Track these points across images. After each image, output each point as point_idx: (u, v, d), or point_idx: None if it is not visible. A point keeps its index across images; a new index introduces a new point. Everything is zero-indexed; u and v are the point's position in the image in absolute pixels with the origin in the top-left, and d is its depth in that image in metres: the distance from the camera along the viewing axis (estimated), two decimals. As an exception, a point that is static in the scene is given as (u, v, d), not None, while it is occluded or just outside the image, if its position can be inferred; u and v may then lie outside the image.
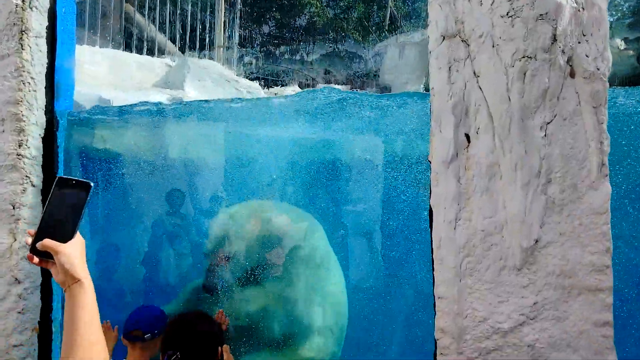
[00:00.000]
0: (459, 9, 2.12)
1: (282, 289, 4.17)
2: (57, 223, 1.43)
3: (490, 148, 2.08)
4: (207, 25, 7.43)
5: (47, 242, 1.39)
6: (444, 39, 2.17)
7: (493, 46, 2.04)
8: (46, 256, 1.40)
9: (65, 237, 1.41)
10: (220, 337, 2.16)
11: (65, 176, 1.52)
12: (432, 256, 2.34)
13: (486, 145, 2.09)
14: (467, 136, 2.13)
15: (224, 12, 7.94)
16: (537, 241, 2.02)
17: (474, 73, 2.11)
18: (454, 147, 2.14)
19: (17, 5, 2.62)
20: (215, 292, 3.99)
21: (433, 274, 2.30)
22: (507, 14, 1.99)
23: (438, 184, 2.21)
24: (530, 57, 2.00)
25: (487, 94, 2.07)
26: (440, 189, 2.20)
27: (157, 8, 7.39)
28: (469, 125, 2.12)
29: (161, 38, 7.47)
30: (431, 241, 2.34)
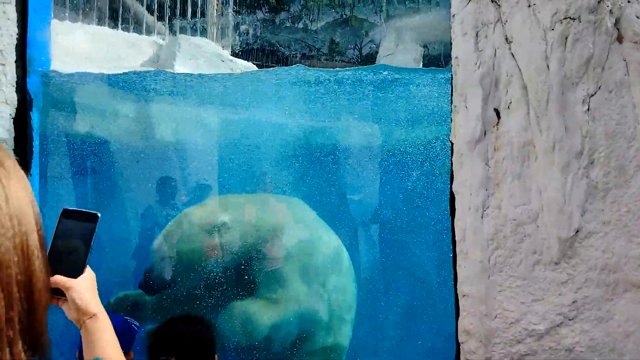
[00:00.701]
0: (489, -36, 1.83)
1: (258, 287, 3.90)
2: (65, 257, 1.31)
3: (524, 125, 1.81)
4: (199, 3, 7.10)
5: (58, 279, 1.26)
6: (469, 0, 1.89)
7: (529, 6, 1.76)
8: (57, 293, 1.27)
9: (75, 272, 1.29)
10: (214, 342, 1.92)
11: (69, 208, 1.40)
12: (453, 249, 2.09)
13: (519, 122, 1.82)
14: (497, 112, 1.86)
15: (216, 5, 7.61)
16: (577, 231, 1.77)
17: (506, 39, 1.83)
18: (481, 125, 1.87)
19: (-21, -33, 2.30)
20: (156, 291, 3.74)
21: (454, 269, 2.05)
22: (547, -32, 1.71)
23: (462, 167, 1.94)
24: (572, 19, 1.72)
25: (521, 63, 1.80)
26: (464, 173, 1.94)
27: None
28: (499, 99, 1.85)
29: (150, 17, 7.12)
30: (452, 232, 2.08)
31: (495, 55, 1.85)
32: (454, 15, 1.97)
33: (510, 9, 1.79)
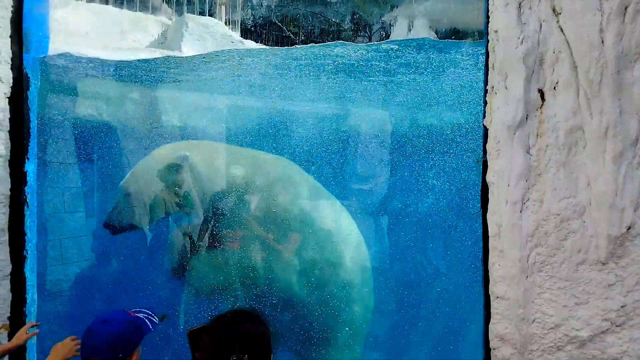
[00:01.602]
0: None
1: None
2: None
3: (573, 108, 1.61)
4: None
5: None
6: (514, -35, 1.67)
7: (584, -28, 1.55)
8: None
9: None
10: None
11: None
12: (484, 245, 1.90)
13: (567, 104, 1.61)
14: (542, 93, 1.66)
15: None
16: (629, 228, 1.57)
17: (553, 10, 1.61)
18: (523, 108, 1.67)
19: None
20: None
21: (486, 268, 1.86)
22: None
23: (500, 155, 1.74)
24: (635, -14, 1.51)
25: (571, 38, 1.59)
26: (501, 162, 1.74)
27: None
28: (544, 78, 1.64)
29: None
30: (484, 227, 1.89)
31: (540, 29, 1.64)
32: (493, -16, 1.76)
33: (561, -24, 1.57)
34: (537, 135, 1.67)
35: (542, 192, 1.67)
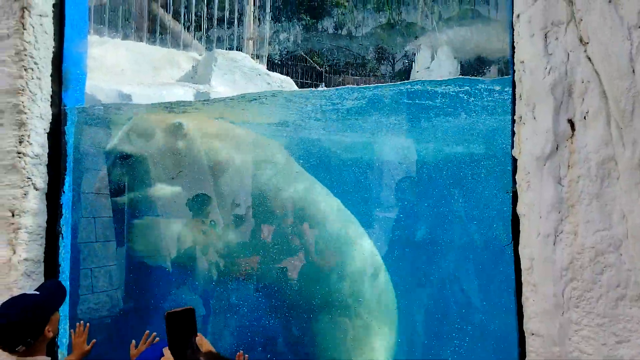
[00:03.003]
0: (561, -44, 1.62)
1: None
2: None
3: (604, 139, 1.57)
4: (236, 20, 7.13)
5: None
6: (538, -3, 1.68)
7: (609, 1, 1.54)
8: None
9: None
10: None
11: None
12: (516, 280, 1.85)
13: (598, 135, 1.58)
14: (571, 123, 1.63)
15: (253, 11, 7.64)
16: (670, 263, 1.50)
17: (580, 40, 1.60)
18: (553, 139, 1.64)
19: (18, -20, 2.26)
20: None
21: (519, 303, 1.80)
22: (634, -43, 1.48)
23: (530, 186, 1.71)
24: (664, 15, 1.49)
25: (600, 67, 1.57)
26: (532, 194, 1.71)
27: (182, 5, 7.14)
28: (573, 108, 1.62)
29: (187, 35, 7.20)
30: (516, 261, 1.85)
31: (568, 59, 1.62)
32: (517, 15, 1.77)
33: (587, 6, 1.57)
34: (568, 166, 1.63)
35: (575, 224, 1.62)
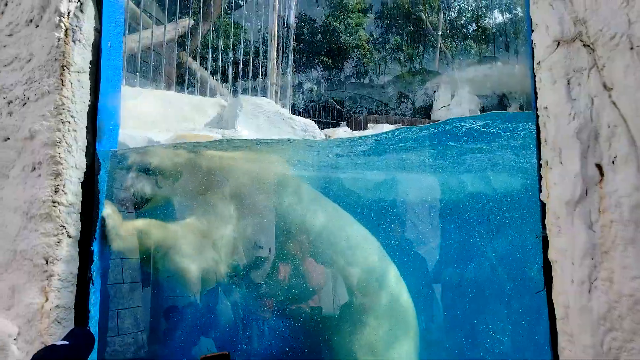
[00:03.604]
0: (579, 6, 1.65)
1: None
2: None
3: (635, 183, 1.54)
4: (260, 67, 7.39)
5: None
6: (558, 44, 1.70)
7: (632, 49, 1.55)
8: None
9: None
10: None
11: None
12: (551, 327, 1.78)
13: (628, 179, 1.55)
14: (600, 168, 1.61)
15: (276, 53, 7.92)
16: None
17: (604, 86, 1.61)
18: (581, 183, 1.62)
19: (59, 39, 2.41)
20: None
21: (555, 353, 1.73)
22: (654, 5, 1.50)
23: (560, 231, 1.68)
24: (689, 60, 1.49)
25: (627, 112, 1.56)
26: (564, 239, 1.67)
27: (210, 54, 7.46)
28: (600, 153, 1.61)
29: (213, 81, 7.48)
30: (550, 308, 1.79)
31: (592, 104, 1.62)
32: (539, 63, 1.79)
33: (609, 53, 1.58)
34: (600, 211, 1.60)
35: (610, 271, 1.57)
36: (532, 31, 1.84)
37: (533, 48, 1.86)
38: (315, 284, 3.96)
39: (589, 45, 1.64)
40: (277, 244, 4.08)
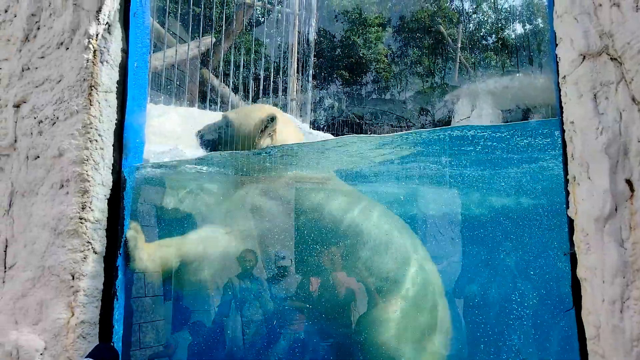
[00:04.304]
0: (605, 19, 1.63)
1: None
2: None
3: (668, 199, 1.50)
4: (280, 83, 7.49)
5: None
6: (584, 58, 1.68)
7: (661, 62, 1.52)
8: None
9: None
10: None
11: None
12: (581, 348, 1.73)
13: (661, 195, 1.51)
14: (630, 183, 1.57)
15: (296, 69, 8.02)
16: None
17: (633, 99, 1.57)
18: (611, 199, 1.58)
19: (87, 61, 2.49)
20: None
21: (587, 374, 1.68)
22: (682, 18, 1.47)
23: (590, 249, 1.64)
24: None
25: (657, 126, 1.52)
26: (593, 257, 1.63)
27: (231, 70, 7.60)
28: (630, 168, 1.57)
29: (234, 97, 7.60)
30: (579, 327, 1.74)
31: (621, 118, 1.59)
32: (564, 77, 1.76)
33: (637, 67, 1.55)
34: (631, 228, 1.56)
35: (643, 290, 1.52)
36: (557, 45, 1.82)
37: (558, 62, 1.83)
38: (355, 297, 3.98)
39: (616, 59, 1.62)
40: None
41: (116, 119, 2.63)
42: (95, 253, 2.44)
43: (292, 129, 4.52)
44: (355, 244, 3.96)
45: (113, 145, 2.61)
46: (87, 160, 2.44)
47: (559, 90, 1.84)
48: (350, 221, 4.02)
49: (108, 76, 2.57)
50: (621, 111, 1.59)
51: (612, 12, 1.60)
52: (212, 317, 4.71)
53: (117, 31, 2.65)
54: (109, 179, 2.57)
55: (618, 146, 1.58)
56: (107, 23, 2.56)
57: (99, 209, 2.48)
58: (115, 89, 2.63)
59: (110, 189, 2.57)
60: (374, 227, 4.05)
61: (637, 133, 1.55)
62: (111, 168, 2.59)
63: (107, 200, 2.54)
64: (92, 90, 2.47)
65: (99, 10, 2.53)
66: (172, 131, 5.00)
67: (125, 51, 2.70)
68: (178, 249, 3.72)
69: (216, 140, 4.28)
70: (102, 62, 2.54)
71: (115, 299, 2.57)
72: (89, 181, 2.43)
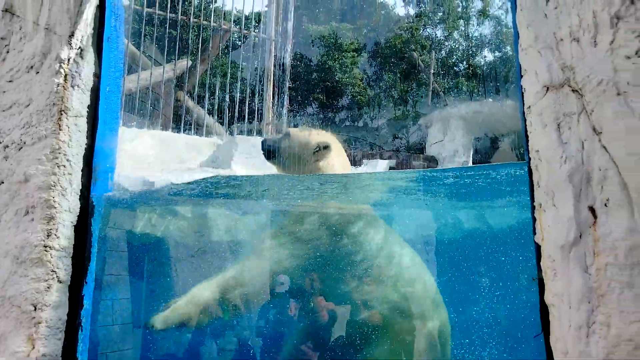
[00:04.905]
0: (566, 53, 1.71)
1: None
2: None
3: (628, 227, 1.55)
4: (256, 107, 7.52)
5: None
6: (547, 90, 1.74)
7: (618, 94, 1.59)
8: None
9: None
10: None
11: None
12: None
13: (622, 223, 1.56)
14: (593, 211, 1.62)
15: (272, 94, 8.07)
16: None
17: (594, 130, 1.64)
18: (575, 227, 1.63)
19: (58, 85, 2.45)
20: None
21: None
22: (637, 54, 1.55)
23: (556, 275, 1.67)
24: (674, 106, 1.52)
25: (617, 157, 1.58)
26: (559, 283, 1.66)
27: (207, 92, 7.59)
28: (593, 196, 1.62)
29: (210, 120, 7.58)
30: (548, 353, 1.76)
31: (583, 148, 1.65)
32: (529, 107, 1.83)
33: (597, 99, 1.62)
34: (595, 254, 1.60)
35: (608, 315, 1.56)
36: (522, 76, 1.89)
37: (523, 93, 1.90)
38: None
39: (577, 91, 1.69)
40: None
41: (86, 144, 2.58)
42: (60, 282, 2.36)
43: (342, 161, 4.79)
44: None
45: (82, 170, 2.55)
46: (54, 186, 2.37)
47: (525, 120, 1.91)
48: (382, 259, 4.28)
49: (79, 100, 2.53)
50: (583, 141, 1.65)
51: (573, 47, 1.68)
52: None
53: (90, 55, 2.62)
54: (76, 205, 2.50)
55: (581, 175, 1.63)
56: (79, 47, 2.54)
57: (65, 236, 2.41)
58: (86, 113, 2.59)
59: (78, 215, 2.50)
60: (405, 269, 4.30)
61: (598, 162, 1.61)
62: (79, 194, 2.52)
63: (74, 227, 2.47)
64: (61, 114, 2.42)
65: (71, 35, 2.50)
66: (144, 155, 4.94)
67: (97, 75, 2.68)
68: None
69: (275, 151, 4.58)
70: (73, 87, 2.50)
71: (80, 330, 2.48)
72: (55, 207, 2.37)
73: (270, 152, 4.58)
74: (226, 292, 3.89)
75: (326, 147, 4.44)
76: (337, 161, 4.61)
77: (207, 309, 3.83)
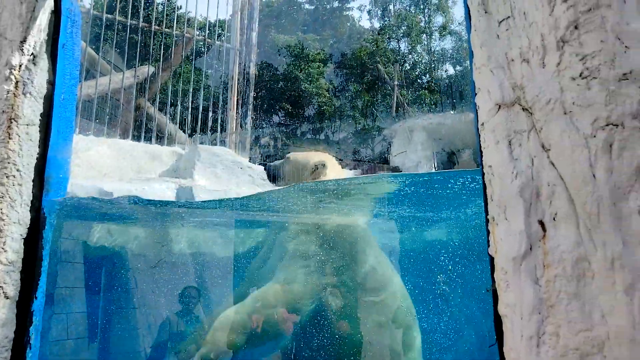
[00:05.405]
0: (516, 73, 1.78)
1: None
2: None
3: (575, 240, 1.62)
4: (220, 115, 7.45)
5: None
6: (499, 108, 1.81)
7: (565, 113, 1.67)
8: None
9: None
10: None
11: None
12: (504, 382, 1.80)
13: (569, 236, 1.63)
14: (542, 224, 1.69)
15: (236, 104, 8.02)
16: (655, 365, 1.48)
17: (543, 146, 1.71)
18: (526, 240, 1.69)
19: (8, 92, 2.35)
20: None
21: (510, 409, 1.74)
22: (581, 76, 1.64)
23: (509, 286, 1.73)
24: (615, 125, 1.61)
25: (564, 172, 1.66)
26: (512, 295, 1.72)
27: (169, 100, 7.46)
28: (542, 210, 1.69)
29: (172, 128, 7.43)
30: (502, 362, 1.81)
31: (533, 164, 1.72)
32: (482, 124, 1.89)
33: (545, 117, 1.69)
34: (544, 267, 1.66)
35: (557, 325, 1.62)
36: (476, 94, 1.95)
37: (477, 110, 1.97)
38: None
39: (527, 109, 1.76)
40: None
41: (38, 153, 2.48)
42: (7, 298, 2.25)
43: (337, 172, 5.41)
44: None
45: (33, 181, 2.45)
46: (2, 197, 2.27)
47: (479, 136, 1.97)
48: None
49: (31, 108, 2.44)
50: (533, 157, 1.72)
51: (523, 67, 1.75)
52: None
53: (44, 62, 2.53)
54: (26, 217, 2.40)
55: (531, 190, 1.70)
56: (32, 54, 2.45)
57: (13, 249, 2.30)
58: (39, 122, 2.49)
59: (28, 227, 2.40)
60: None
61: (547, 178, 1.68)
62: (30, 205, 2.42)
63: (23, 239, 2.37)
64: (11, 122, 2.32)
65: (23, 41, 2.41)
66: (101, 164, 4.79)
67: (51, 83, 2.59)
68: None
69: (278, 175, 5.18)
70: (24, 94, 2.41)
71: (28, 348, 2.36)
72: (3, 220, 2.26)
73: (274, 176, 5.21)
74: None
75: (323, 165, 5.02)
76: (332, 174, 5.13)
77: None
